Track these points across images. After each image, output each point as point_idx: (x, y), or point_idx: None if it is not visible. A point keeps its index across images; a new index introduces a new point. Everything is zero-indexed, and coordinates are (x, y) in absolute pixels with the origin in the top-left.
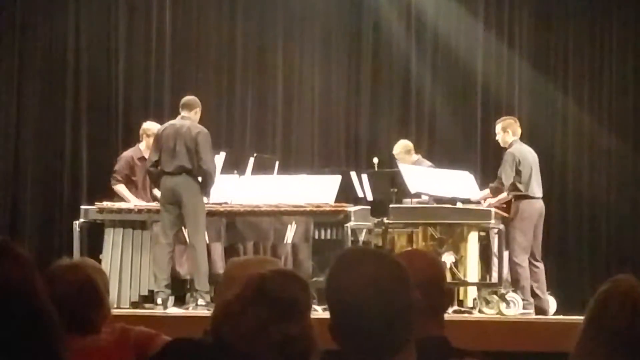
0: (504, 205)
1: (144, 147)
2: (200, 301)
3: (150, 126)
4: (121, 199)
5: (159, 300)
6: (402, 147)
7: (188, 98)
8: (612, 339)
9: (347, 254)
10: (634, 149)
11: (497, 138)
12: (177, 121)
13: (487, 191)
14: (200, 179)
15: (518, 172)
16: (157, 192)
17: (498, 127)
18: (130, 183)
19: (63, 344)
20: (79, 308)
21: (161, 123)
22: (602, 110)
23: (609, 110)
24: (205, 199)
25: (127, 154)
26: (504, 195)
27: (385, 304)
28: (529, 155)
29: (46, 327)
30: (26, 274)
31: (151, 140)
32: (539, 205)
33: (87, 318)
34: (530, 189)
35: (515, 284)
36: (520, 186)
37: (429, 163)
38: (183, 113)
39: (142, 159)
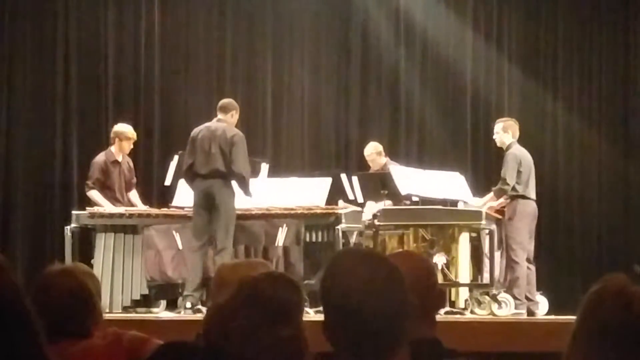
0: (502, 210)
1: (115, 150)
2: None
3: (122, 129)
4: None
5: (188, 304)
6: (373, 148)
7: (225, 101)
8: (605, 338)
9: (342, 256)
10: (624, 151)
11: (494, 137)
12: (212, 124)
13: (490, 195)
14: (234, 182)
15: (518, 173)
16: (132, 196)
17: (498, 127)
18: (105, 188)
19: (46, 349)
20: (70, 313)
21: (151, 127)
22: (591, 112)
23: (599, 112)
24: (249, 199)
25: (99, 158)
26: (501, 200)
27: (380, 306)
28: (527, 157)
29: (30, 332)
30: (8, 279)
31: (123, 143)
32: (534, 206)
33: (79, 323)
34: (527, 190)
35: (513, 283)
36: (518, 187)
37: (398, 165)
38: (219, 116)
39: (115, 162)
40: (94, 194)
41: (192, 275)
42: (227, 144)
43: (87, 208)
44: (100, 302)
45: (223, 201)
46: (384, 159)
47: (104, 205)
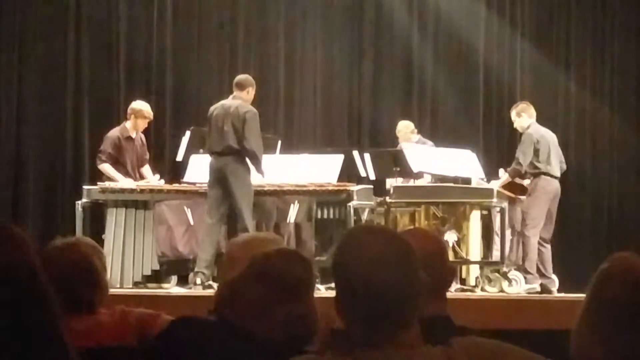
0: (516, 194)
1: (130, 125)
2: None
3: (139, 106)
4: (110, 179)
5: (198, 281)
6: (405, 126)
7: (241, 77)
8: (614, 316)
9: (355, 232)
10: (637, 129)
11: (515, 126)
12: (227, 101)
13: (506, 176)
14: (247, 159)
15: (536, 152)
16: (145, 171)
17: (513, 114)
18: (117, 163)
19: (62, 325)
20: (75, 288)
21: (163, 102)
22: (604, 89)
23: (611, 89)
24: (260, 178)
25: (113, 133)
26: (506, 177)
27: (392, 282)
28: (546, 135)
29: (46, 309)
30: (25, 256)
31: (139, 121)
32: (556, 185)
33: (84, 298)
34: (549, 167)
35: (524, 258)
36: (539, 165)
37: (431, 143)
38: (235, 92)
39: (129, 138)
40: (106, 167)
41: (204, 251)
42: (240, 120)
43: (98, 183)
44: (106, 276)
45: (237, 179)
46: (416, 136)
47: (116, 177)
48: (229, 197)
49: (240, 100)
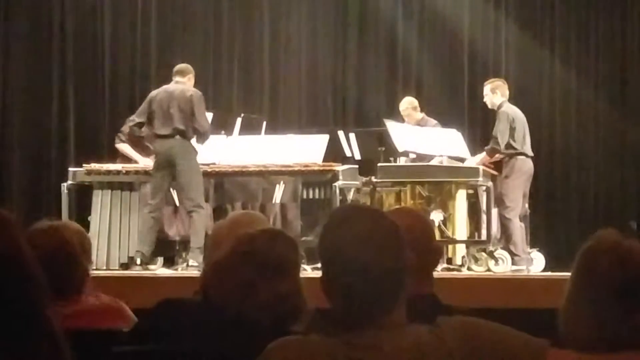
0: (491, 166)
1: None
2: (192, 262)
3: None
4: (125, 159)
5: (138, 261)
6: (408, 103)
7: (181, 65)
8: (601, 293)
9: (341, 211)
10: (621, 107)
11: (484, 100)
12: (170, 86)
13: (483, 154)
14: (194, 140)
15: (512, 131)
16: None
17: (487, 89)
18: (137, 146)
19: (51, 308)
20: (53, 271)
21: (147, 84)
22: (588, 68)
23: (596, 69)
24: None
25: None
26: (483, 156)
27: (378, 262)
28: (519, 114)
29: (34, 292)
30: (11, 238)
31: None
32: (530, 164)
33: (62, 281)
34: (525, 147)
35: (508, 240)
36: (515, 144)
37: (435, 121)
38: (176, 79)
39: None
40: (124, 147)
41: (144, 232)
42: (187, 102)
43: (84, 165)
44: (89, 258)
45: (186, 160)
46: (420, 114)
47: (135, 158)
48: (175, 178)
49: (182, 85)
